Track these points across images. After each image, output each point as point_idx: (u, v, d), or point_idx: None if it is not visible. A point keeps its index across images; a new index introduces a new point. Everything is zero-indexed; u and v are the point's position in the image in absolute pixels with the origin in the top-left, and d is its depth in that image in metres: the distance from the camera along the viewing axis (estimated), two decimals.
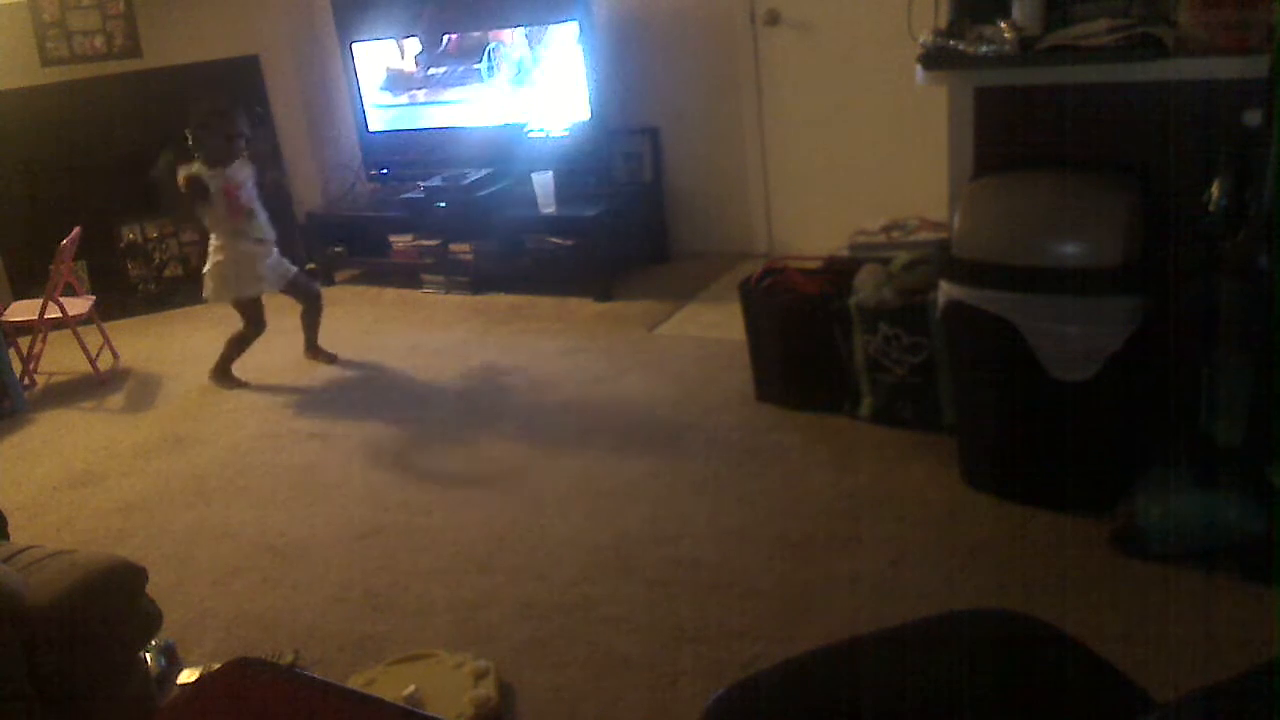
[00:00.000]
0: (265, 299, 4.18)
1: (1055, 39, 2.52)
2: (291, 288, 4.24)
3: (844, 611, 2.38)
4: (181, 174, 3.95)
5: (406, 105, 5.33)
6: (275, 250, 4.15)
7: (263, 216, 4.11)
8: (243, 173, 4.05)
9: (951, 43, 2.63)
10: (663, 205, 5.16)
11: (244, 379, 4.26)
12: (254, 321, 4.19)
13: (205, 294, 4.15)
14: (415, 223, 5.15)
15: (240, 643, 2.54)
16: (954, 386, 2.89)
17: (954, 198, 2.79)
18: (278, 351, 4.38)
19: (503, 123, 5.05)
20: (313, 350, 4.40)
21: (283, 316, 4.32)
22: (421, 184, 5.11)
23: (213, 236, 4.07)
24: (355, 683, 2.25)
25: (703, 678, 2.20)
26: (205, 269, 4.10)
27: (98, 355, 4.55)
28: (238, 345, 4.23)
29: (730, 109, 4.88)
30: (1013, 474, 2.70)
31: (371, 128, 5.48)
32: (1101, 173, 2.55)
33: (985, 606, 1.60)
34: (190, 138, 3.97)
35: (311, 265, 5.41)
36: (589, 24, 4.69)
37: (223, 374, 4.27)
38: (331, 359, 4.38)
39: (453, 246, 5.06)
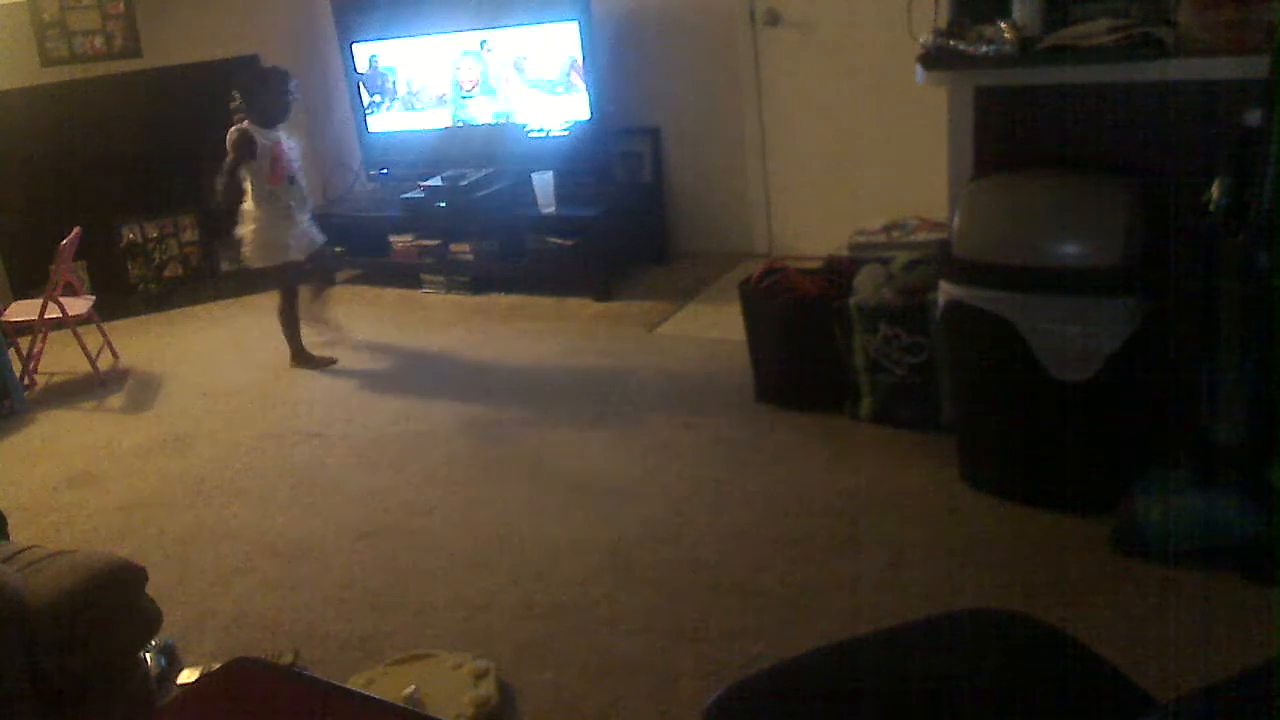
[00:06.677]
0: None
1: (1055, 39, 2.52)
2: (312, 259, 4.25)
3: (844, 611, 2.38)
4: (232, 131, 3.95)
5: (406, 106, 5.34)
6: (308, 219, 4.19)
7: (303, 186, 4.15)
8: (291, 138, 4.07)
9: (951, 43, 2.63)
10: (663, 205, 5.16)
11: (321, 355, 4.32)
12: (287, 290, 4.21)
13: (243, 259, 4.20)
14: (415, 223, 5.14)
15: (240, 643, 2.54)
16: (954, 386, 2.89)
17: (954, 198, 2.79)
18: (278, 353, 4.38)
19: (503, 123, 5.06)
20: (317, 318, 4.43)
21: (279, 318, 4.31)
22: (421, 184, 5.11)
23: (247, 200, 4.06)
24: (355, 683, 2.25)
25: (703, 678, 2.20)
26: (241, 233, 4.10)
27: (98, 355, 4.55)
28: (287, 321, 4.26)
29: (730, 109, 4.88)
30: (1013, 474, 2.71)
31: (371, 128, 5.49)
32: (1101, 173, 2.55)
33: (985, 606, 1.61)
34: (241, 97, 3.97)
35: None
36: (589, 24, 4.69)
37: (302, 358, 4.29)
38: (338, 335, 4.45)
39: (453, 246, 5.06)
